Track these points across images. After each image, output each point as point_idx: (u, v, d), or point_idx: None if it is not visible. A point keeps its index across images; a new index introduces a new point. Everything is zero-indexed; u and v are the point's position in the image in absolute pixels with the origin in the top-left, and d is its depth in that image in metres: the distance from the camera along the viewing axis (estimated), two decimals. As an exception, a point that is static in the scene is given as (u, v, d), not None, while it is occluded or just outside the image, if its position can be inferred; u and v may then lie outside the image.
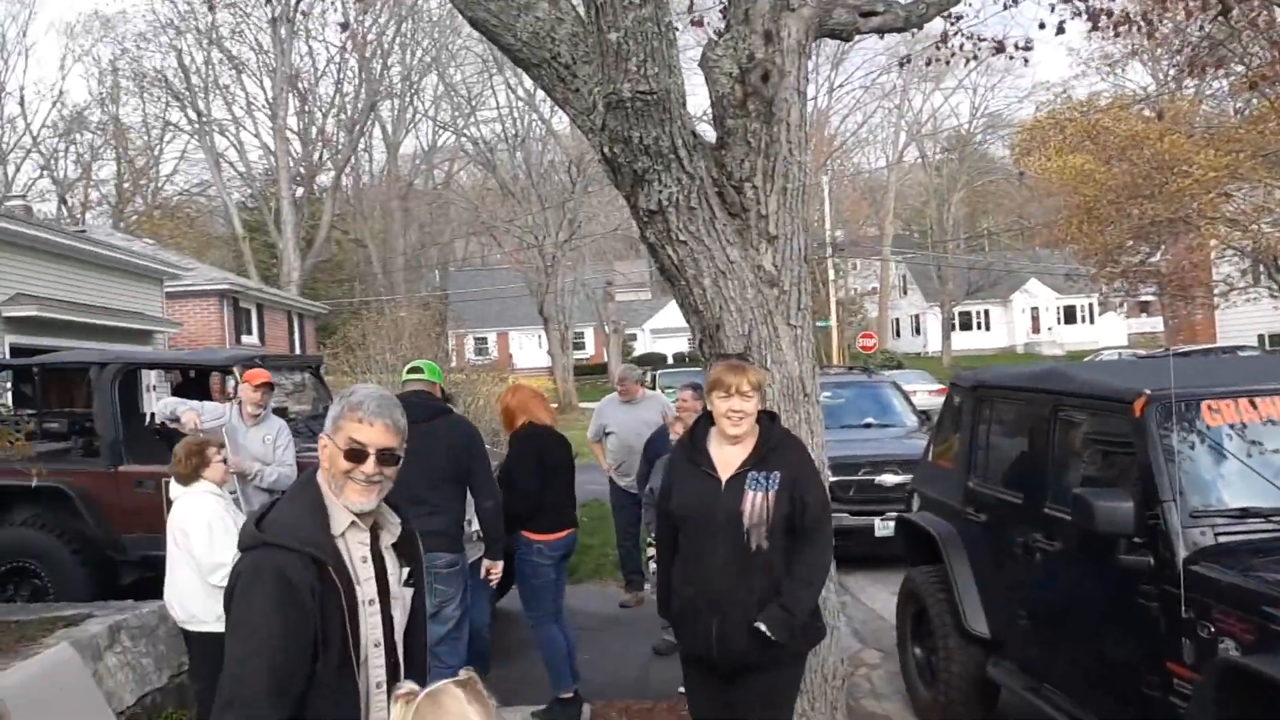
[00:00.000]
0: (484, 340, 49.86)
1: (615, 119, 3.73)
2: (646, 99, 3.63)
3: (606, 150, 3.88)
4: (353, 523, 2.29)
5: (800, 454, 3.59)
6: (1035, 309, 55.21)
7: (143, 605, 5.60)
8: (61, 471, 6.92)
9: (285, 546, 2.18)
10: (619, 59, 3.57)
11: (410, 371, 5.32)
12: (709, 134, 4.40)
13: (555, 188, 34.74)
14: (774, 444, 3.50)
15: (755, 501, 3.37)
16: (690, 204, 3.95)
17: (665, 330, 55.32)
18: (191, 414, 6.26)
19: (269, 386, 6.47)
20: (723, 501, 3.41)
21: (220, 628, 4.81)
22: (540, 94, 38.77)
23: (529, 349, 50.60)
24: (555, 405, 31.97)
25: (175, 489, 4.91)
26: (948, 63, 8.17)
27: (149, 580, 7.19)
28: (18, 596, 6.78)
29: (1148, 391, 3.84)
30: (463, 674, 1.73)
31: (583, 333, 51.24)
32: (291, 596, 2.14)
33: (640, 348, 53.66)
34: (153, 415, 9.91)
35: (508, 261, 42.14)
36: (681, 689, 5.78)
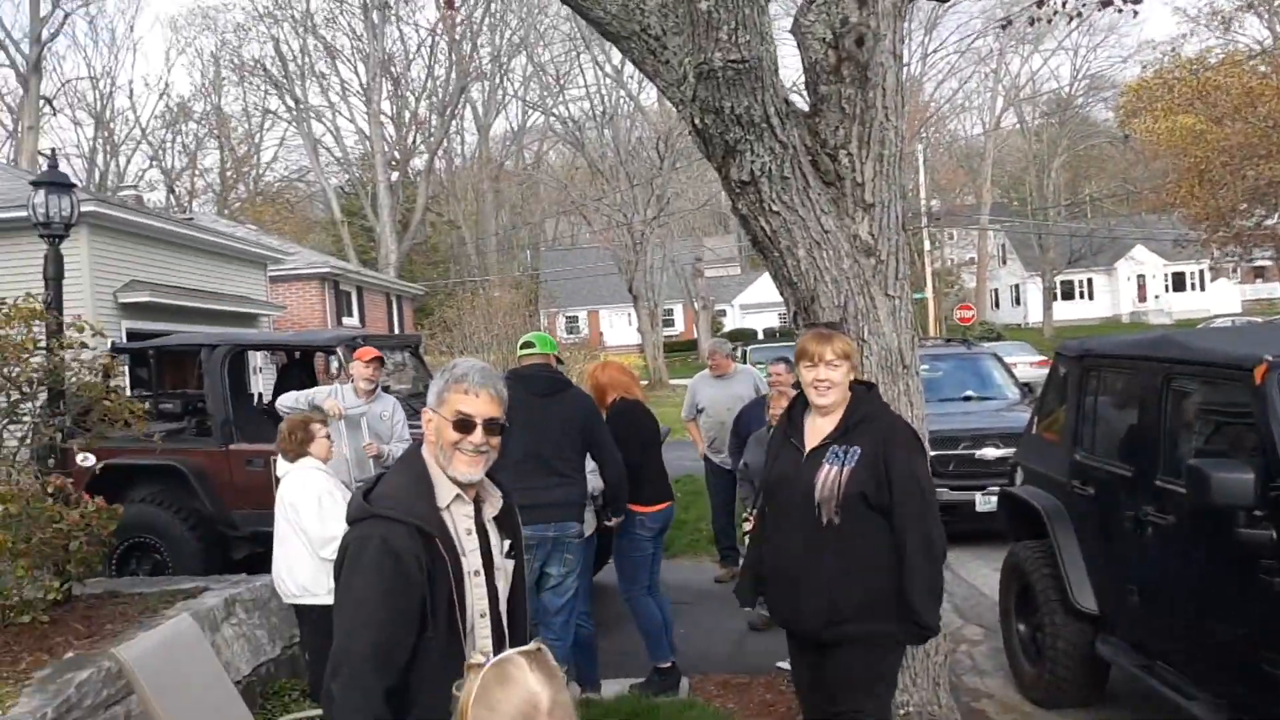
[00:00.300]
0: (574, 319, 50.24)
1: (706, 89, 3.69)
2: (738, 68, 3.58)
3: (698, 121, 3.85)
4: (457, 495, 2.32)
5: (890, 428, 3.38)
6: (1141, 276, 53.16)
7: (255, 579, 5.80)
8: (176, 450, 7.21)
9: (393, 518, 2.21)
10: (710, 28, 3.53)
11: (524, 347, 5.33)
12: (800, 102, 4.32)
13: (643, 164, 34.67)
14: (860, 417, 3.34)
15: (828, 476, 3.27)
16: (783, 173, 3.89)
17: (755, 305, 54.93)
18: (334, 403, 6.28)
19: (379, 362, 6.52)
20: (801, 475, 3.33)
21: (331, 600, 4.97)
22: (628, 70, 38.77)
23: (619, 326, 50.79)
24: (646, 382, 32.13)
25: (282, 466, 5.05)
26: (1049, 21, 7.86)
27: (259, 555, 7.49)
28: (139, 570, 7.09)
29: (1269, 358, 3.65)
30: (531, 645, 1.73)
31: (672, 309, 51.24)
32: (398, 568, 2.17)
33: (729, 323, 53.41)
34: (260, 395, 10.27)
35: (597, 240, 42.33)
36: (779, 664, 5.78)
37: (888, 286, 4.18)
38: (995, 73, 47.16)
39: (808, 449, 3.36)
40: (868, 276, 4.11)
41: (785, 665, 5.81)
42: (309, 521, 4.73)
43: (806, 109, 4.19)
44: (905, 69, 4.27)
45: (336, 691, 2.16)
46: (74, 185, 5.94)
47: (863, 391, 3.43)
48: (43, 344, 5.10)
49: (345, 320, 24.55)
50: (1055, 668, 5.05)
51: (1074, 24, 9.79)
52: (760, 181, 3.89)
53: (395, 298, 30.04)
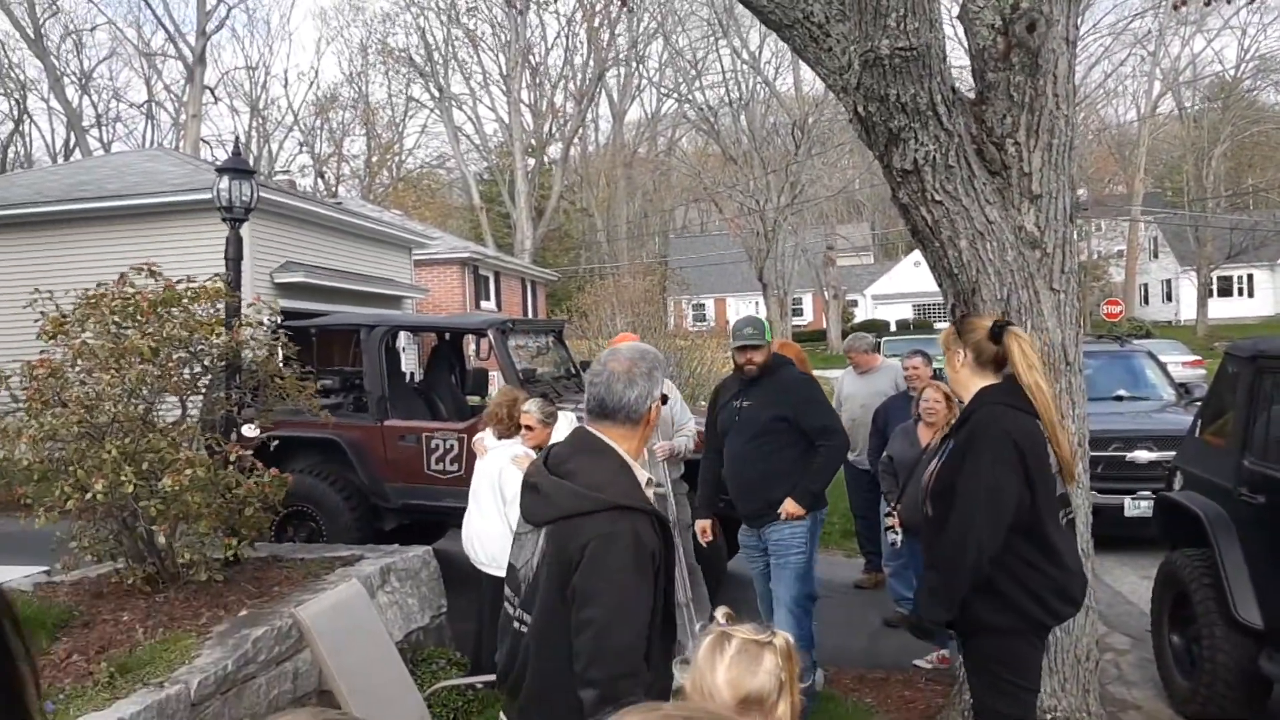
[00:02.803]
0: (701, 306, 50.25)
1: (871, 77, 3.66)
2: (906, 55, 3.54)
3: (860, 109, 3.81)
4: (647, 481, 2.37)
5: (984, 426, 3.21)
6: (1309, 273, 49.78)
7: (408, 549, 6.04)
8: (334, 425, 7.56)
9: (636, 508, 2.21)
10: (878, 15, 3.49)
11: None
12: (965, 89, 4.23)
13: (777, 151, 34.39)
14: (966, 414, 3.28)
15: (931, 470, 3.40)
16: (948, 162, 3.82)
17: (887, 296, 53.85)
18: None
19: None
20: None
21: (496, 571, 5.14)
22: (765, 56, 38.47)
23: (746, 315, 50.56)
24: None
25: (490, 440, 5.22)
26: (1210, 2, 7.43)
27: (407, 527, 7.80)
28: (295, 537, 7.46)
29: None
30: (778, 634, 1.77)
31: (801, 298, 50.66)
32: (646, 558, 2.19)
33: (860, 314, 52.50)
34: (412, 374, 10.63)
35: (727, 227, 42.19)
36: (915, 661, 5.71)
37: (1053, 280, 4.07)
38: (1153, 55, 44.79)
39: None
40: (1032, 269, 4.01)
41: (922, 663, 5.75)
42: (484, 489, 4.94)
43: (972, 96, 4.10)
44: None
45: (603, 685, 2.09)
46: (254, 172, 6.29)
47: (982, 391, 3.31)
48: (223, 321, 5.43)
49: (483, 304, 25.20)
50: (1213, 683, 4.84)
51: (1243, 2, 9.19)
52: (923, 170, 3.84)
53: (530, 283, 30.65)
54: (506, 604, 2.46)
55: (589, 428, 2.44)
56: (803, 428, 4.88)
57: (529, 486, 2.39)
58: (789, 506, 4.87)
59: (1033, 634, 3.28)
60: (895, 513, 5.48)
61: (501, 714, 2.56)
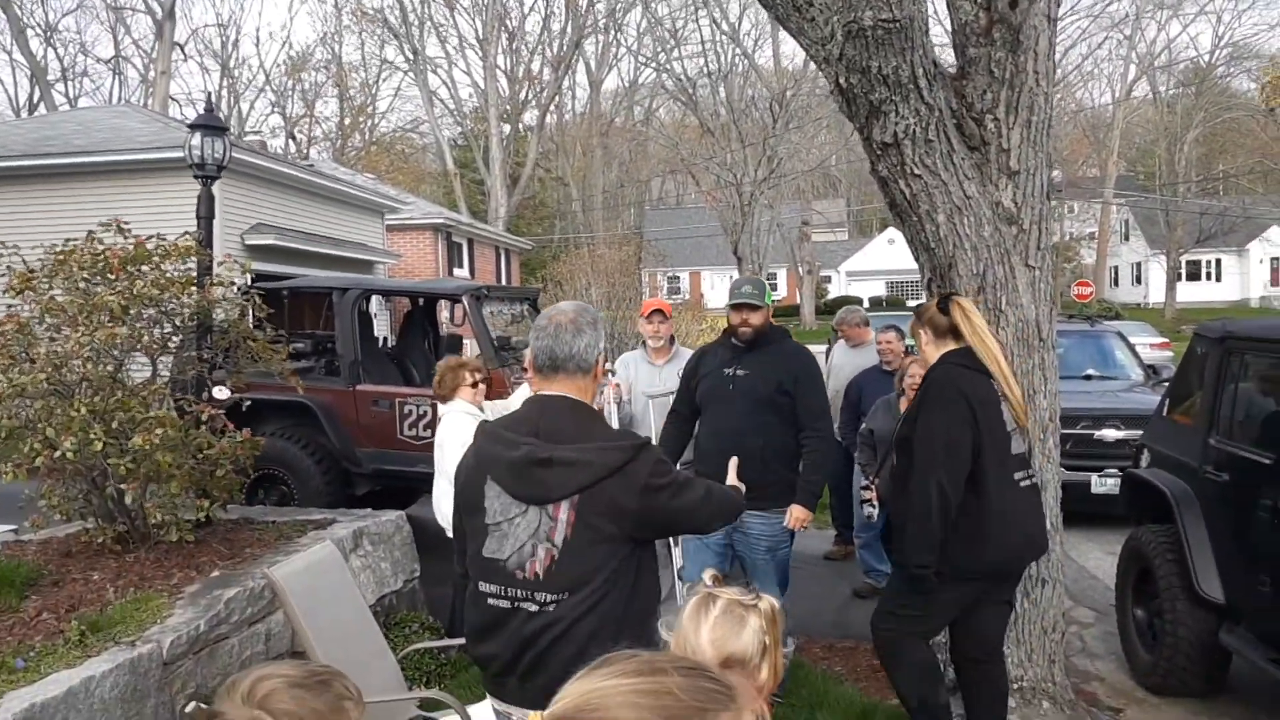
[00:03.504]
0: (676, 279, 50.24)
1: (854, 48, 3.65)
2: (888, 26, 3.54)
3: (842, 81, 3.81)
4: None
5: (939, 385, 3.64)
6: (1275, 259, 50.39)
7: (381, 514, 6.03)
8: (306, 388, 7.50)
9: (648, 443, 2.44)
10: (863, -14, 3.48)
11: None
12: (947, 64, 4.24)
13: (755, 125, 34.29)
14: (927, 376, 3.78)
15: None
16: (928, 136, 3.83)
17: (861, 273, 54.07)
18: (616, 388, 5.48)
19: (661, 314, 5.64)
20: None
21: None
22: (745, 28, 38.29)
23: (720, 288, 50.51)
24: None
25: (441, 408, 5.23)
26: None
27: (379, 492, 7.78)
28: (266, 500, 7.43)
29: None
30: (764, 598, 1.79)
31: (776, 273, 50.74)
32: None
33: (834, 290, 52.71)
34: (385, 339, 10.56)
35: (704, 200, 42.11)
36: None
37: (1028, 256, 4.10)
38: (1129, 39, 45.03)
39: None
40: (1008, 245, 4.04)
41: None
42: (449, 463, 4.90)
43: (954, 71, 4.11)
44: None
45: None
46: (226, 129, 6.20)
47: (946, 353, 3.72)
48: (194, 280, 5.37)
49: (456, 271, 25.06)
50: (1174, 655, 4.94)
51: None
52: (903, 144, 3.85)
53: (504, 251, 30.51)
54: (491, 599, 2.39)
55: (543, 391, 2.47)
56: (798, 406, 4.41)
57: (532, 463, 2.32)
58: (800, 514, 4.40)
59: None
60: (873, 486, 5.53)
61: (491, 693, 2.53)
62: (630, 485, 2.29)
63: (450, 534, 4.89)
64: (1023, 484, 3.65)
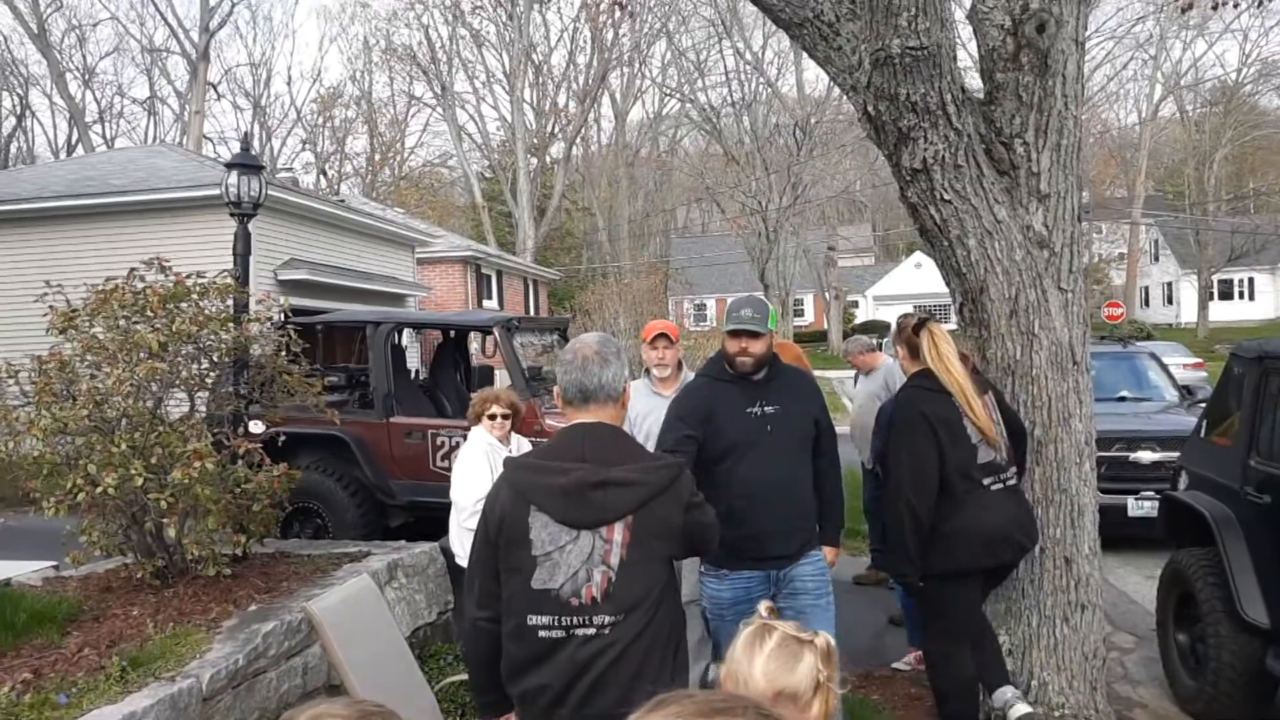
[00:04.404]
0: (703, 306, 50.25)
1: (882, 76, 3.68)
2: (916, 54, 3.56)
3: (870, 108, 3.83)
4: None
5: (901, 408, 4.03)
6: (1310, 277, 49.75)
7: (415, 546, 6.05)
8: (340, 421, 7.57)
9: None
10: (889, 14, 3.51)
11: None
12: (975, 89, 4.25)
13: (779, 151, 34.41)
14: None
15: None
16: (957, 162, 3.84)
17: (888, 297, 53.84)
18: None
19: (667, 339, 4.94)
20: None
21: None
22: (768, 57, 38.48)
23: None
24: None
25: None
26: (1218, 6, 7.42)
27: (412, 524, 7.81)
28: (301, 533, 7.48)
29: None
30: (820, 635, 1.79)
31: (802, 299, 50.69)
32: None
33: (861, 315, 52.52)
34: (417, 371, 10.65)
35: (729, 227, 42.18)
36: (894, 665, 5.71)
37: (1061, 280, 4.08)
38: (1154, 59, 44.82)
39: None
40: (1040, 269, 4.03)
41: (901, 665, 5.76)
42: (452, 489, 4.92)
43: (981, 96, 4.12)
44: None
45: None
46: (263, 167, 6.31)
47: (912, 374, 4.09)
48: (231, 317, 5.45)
49: (485, 303, 25.22)
50: (1219, 681, 4.85)
51: (1248, 5, 9.23)
52: (932, 169, 3.86)
53: (532, 282, 30.68)
54: (543, 630, 2.38)
55: (576, 419, 2.53)
56: (822, 436, 3.95)
57: (586, 487, 2.35)
58: (833, 555, 4.06)
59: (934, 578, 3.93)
60: None
61: None
62: (677, 502, 2.42)
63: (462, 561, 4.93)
64: (994, 488, 3.95)
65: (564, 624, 2.36)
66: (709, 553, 2.81)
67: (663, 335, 4.91)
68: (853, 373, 8.44)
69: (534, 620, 2.38)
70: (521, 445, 5.18)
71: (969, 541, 3.91)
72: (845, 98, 4.35)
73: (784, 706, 1.66)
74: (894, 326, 4.20)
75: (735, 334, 3.77)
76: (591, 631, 2.34)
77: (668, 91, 45.00)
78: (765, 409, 3.80)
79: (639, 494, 2.35)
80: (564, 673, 2.36)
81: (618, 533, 2.34)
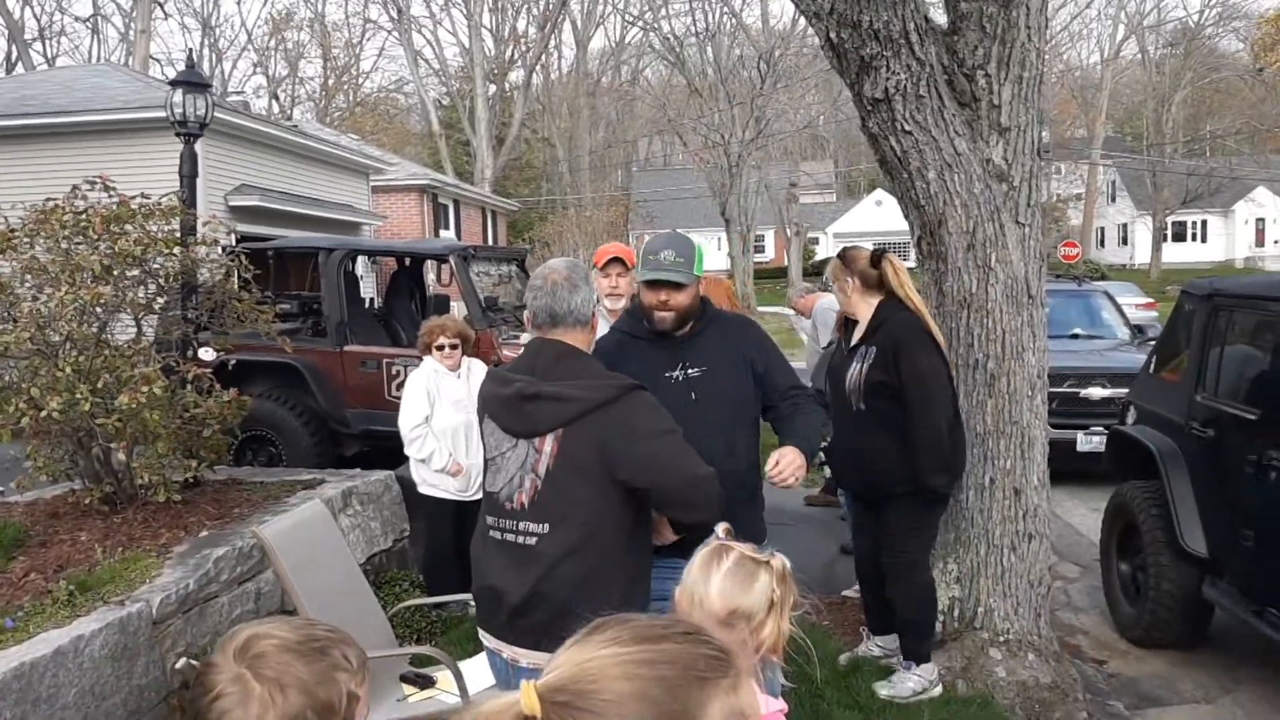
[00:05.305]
0: (664, 240, 49.88)
1: (845, 2, 3.61)
2: (881, -20, 3.49)
3: (833, 35, 3.77)
4: None
5: (907, 330, 3.98)
6: (1261, 220, 50.52)
7: (370, 474, 6.02)
8: (293, 349, 7.46)
9: (642, 386, 2.60)
10: (855, -63, 3.43)
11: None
12: (939, 19, 4.20)
13: (743, 84, 34.00)
14: (876, 325, 4.05)
15: (858, 373, 4.07)
16: (919, 92, 3.80)
17: (848, 235, 53.85)
18: None
19: (622, 264, 4.37)
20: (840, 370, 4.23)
21: (431, 492, 5.31)
22: (732, -14, 37.74)
23: (708, 250, 49.98)
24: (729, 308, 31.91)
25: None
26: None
27: (367, 454, 7.77)
28: (254, 462, 7.42)
29: None
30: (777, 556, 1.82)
31: (763, 235, 50.58)
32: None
33: (821, 252, 52.58)
34: (371, 300, 10.52)
35: (691, 161, 41.83)
36: (844, 592, 5.83)
37: (1018, 214, 4.09)
38: (1119, -1, 44.74)
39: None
40: (999, 203, 4.03)
41: (850, 593, 5.87)
42: (402, 419, 5.03)
43: (945, 26, 4.07)
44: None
45: (714, 508, 2.36)
46: (208, 86, 6.10)
47: (885, 303, 4.06)
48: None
49: (442, 233, 24.88)
50: (1157, 609, 5.02)
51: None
52: (894, 99, 3.82)
53: (490, 213, 30.30)
54: (491, 530, 2.54)
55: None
56: (769, 385, 3.19)
57: (520, 398, 2.45)
58: (794, 457, 2.91)
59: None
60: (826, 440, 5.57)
61: (486, 635, 2.59)
62: (618, 425, 2.39)
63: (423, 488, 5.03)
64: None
65: (502, 527, 2.51)
66: (693, 509, 2.37)
67: (616, 260, 4.36)
68: None
69: (487, 519, 2.57)
70: (473, 370, 5.24)
71: (965, 453, 4.22)
72: (810, 29, 4.26)
73: (738, 626, 1.67)
74: (838, 259, 4.19)
75: (653, 285, 3.02)
76: (523, 540, 2.45)
77: (630, 19, 44.18)
78: (689, 371, 3.08)
79: (569, 409, 2.40)
80: (503, 579, 2.47)
81: (548, 444, 2.42)
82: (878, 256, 4.09)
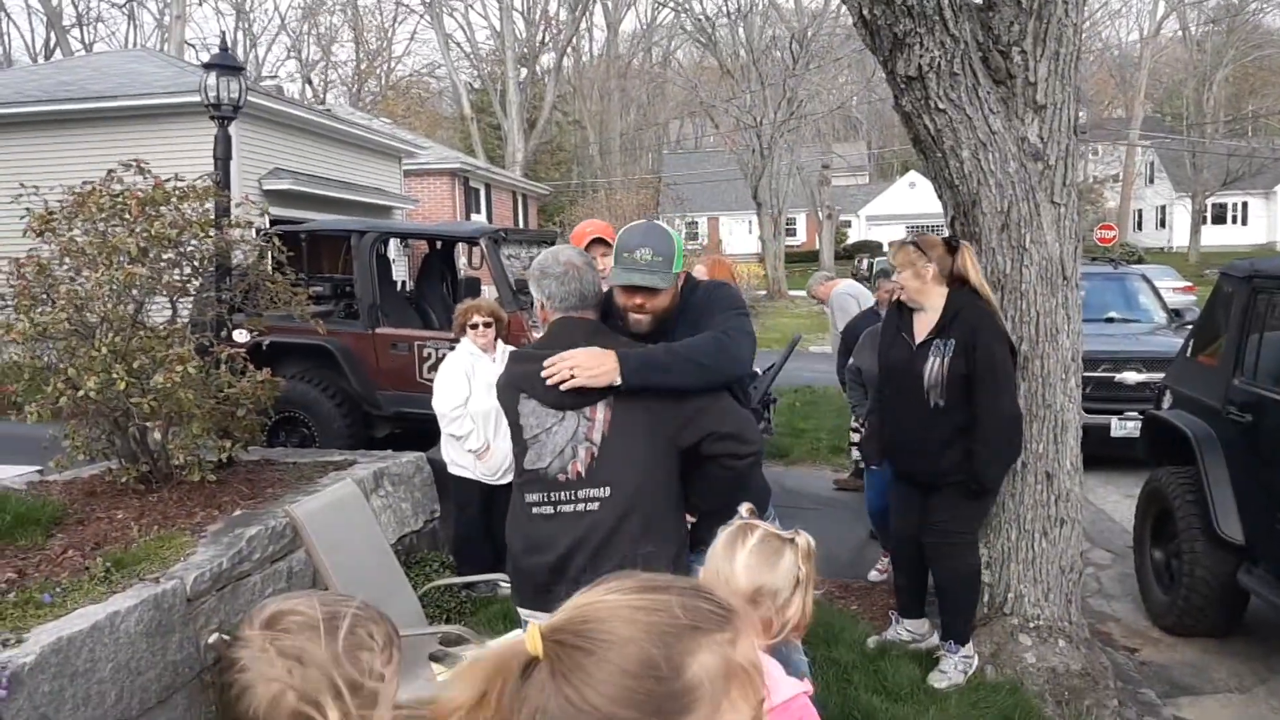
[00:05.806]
0: (694, 224, 49.79)
1: (878, -21, 3.56)
2: (914, -44, 3.43)
3: (866, 12, 3.72)
4: None
5: (985, 323, 3.94)
6: (1304, 202, 49.49)
7: (401, 455, 6.07)
8: (326, 331, 7.51)
9: None
10: (888, -87, 3.38)
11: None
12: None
13: (775, 65, 33.70)
14: (952, 316, 3.98)
15: (939, 367, 4.02)
16: (953, 69, 3.75)
17: (881, 217, 53.45)
18: None
19: (604, 244, 3.90)
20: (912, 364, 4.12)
21: (461, 474, 5.33)
22: (765, -34, 37.40)
23: (739, 234, 50.06)
24: (764, 292, 31.75)
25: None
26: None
27: (398, 435, 7.83)
28: (286, 443, 7.48)
29: None
30: (801, 534, 1.82)
31: (795, 218, 50.17)
32: None
33: (854, 235, 52.17)
34: (403, 283, 10.56)
35: (723, 143, 41.55)
36: (869, 575, 5.78)
37: (1054, 193, 4.02)
38: (1159, -27, 43.80)
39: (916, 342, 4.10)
40: (1034, 182, 3.96)
41: (875, 575, 5.84)
42: (439, 400, 5.05)
43: (979, 2, 4.00)
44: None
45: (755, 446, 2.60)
46: (242, 69, 6.14)
47: (962, 293, 4.00)
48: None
49: (473, 216, 24.97)
50: (1191, 595, 4.95)
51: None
52: (928, 77, 3.76)
53: (521, 196, 30.35)
54: (535, 508, 2.58)
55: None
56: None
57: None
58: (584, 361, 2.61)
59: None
60: (862, 425, 5.49)
61: (534, 606, 2.60)
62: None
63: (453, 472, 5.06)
64: None
65: (553, 500, 2.55)
66: (745, 441, 2.50)
67: (599, 240, 3.95)
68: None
69: (529, 498, 2.59)
70: (506, 353, 5.26)
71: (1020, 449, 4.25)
72: (843, 7, 4.21)
73: (764, 603, 1.67)
74: (913, 246, 4.04)
75: (629, 291, 2.73)
76: (580, 508, 2.52)
77: (661, 1, 43.89)
78: None
79: None
80: (558, 549, 2.53)
81: (600, 411, 2.50)
82: (955, 243, 4.04)
